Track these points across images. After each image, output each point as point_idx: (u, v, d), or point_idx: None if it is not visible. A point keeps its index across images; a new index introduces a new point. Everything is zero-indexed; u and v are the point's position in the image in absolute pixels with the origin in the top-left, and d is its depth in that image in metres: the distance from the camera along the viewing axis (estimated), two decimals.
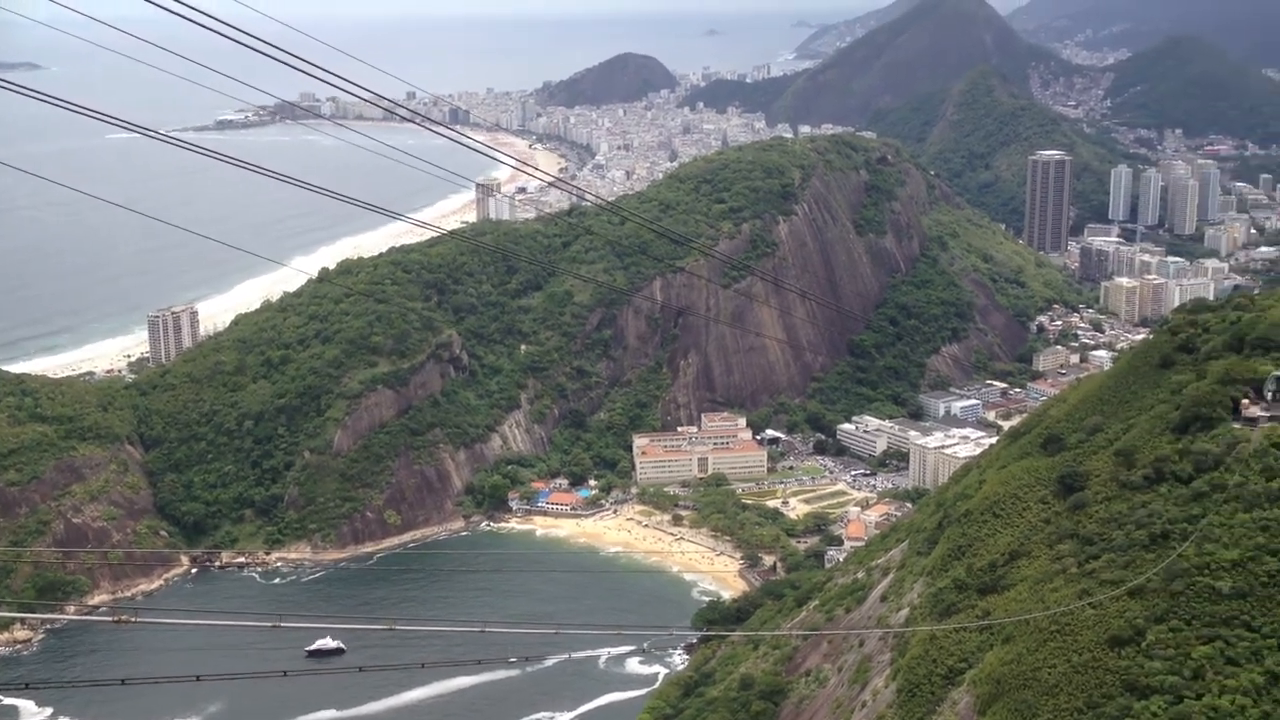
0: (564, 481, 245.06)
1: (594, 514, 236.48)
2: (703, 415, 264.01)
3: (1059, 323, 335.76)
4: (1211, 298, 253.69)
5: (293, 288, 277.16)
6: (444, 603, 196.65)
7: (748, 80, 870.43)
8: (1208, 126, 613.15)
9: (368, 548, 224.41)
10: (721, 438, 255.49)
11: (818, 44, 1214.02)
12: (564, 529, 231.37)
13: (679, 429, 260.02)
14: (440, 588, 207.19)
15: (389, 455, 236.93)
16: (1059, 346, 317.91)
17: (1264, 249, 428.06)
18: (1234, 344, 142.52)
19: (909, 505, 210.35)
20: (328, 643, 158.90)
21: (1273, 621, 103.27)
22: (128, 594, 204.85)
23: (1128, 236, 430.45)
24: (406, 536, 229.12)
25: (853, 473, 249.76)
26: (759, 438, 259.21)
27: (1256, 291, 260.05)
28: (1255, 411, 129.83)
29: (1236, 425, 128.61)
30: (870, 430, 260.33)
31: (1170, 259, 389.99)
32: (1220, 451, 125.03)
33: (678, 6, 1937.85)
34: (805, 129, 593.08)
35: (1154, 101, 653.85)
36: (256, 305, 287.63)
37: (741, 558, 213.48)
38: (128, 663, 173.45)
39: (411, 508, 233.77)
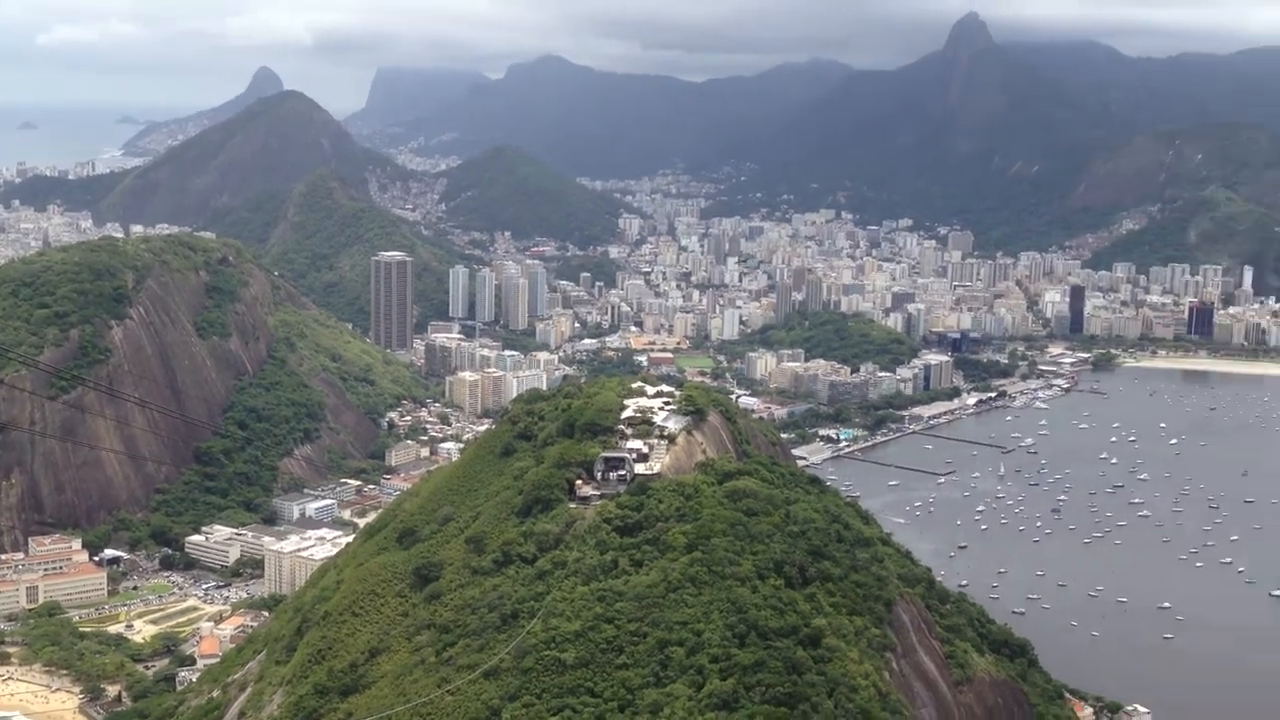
0: None
1: None
2: (30, 540, 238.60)
3: (409, 418, 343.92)
4: (545, 387, 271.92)
5: None
6: None
7: (70, 177, 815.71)
8: (533, 229, 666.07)
9: None
10: (53, 562, 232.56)
11: (146, 141, 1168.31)
12: None
13: (2, 557, 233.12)
14: None
15: None
16: (410, 441, 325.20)
17: (587, 341, 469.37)
18: (566, 429, 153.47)
19: (266, 614, 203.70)
20: None
21: (612, 685, 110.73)
22: None
23: (468, 332, 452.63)
24: None
25: (204, 586, 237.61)
26: (97, 558, 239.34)
27: (583, 380, 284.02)
28: (588, 491, 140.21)
29: (573, 504, 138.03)
30: (221, 540, 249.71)
31: (507, 353, 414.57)
32: (560, 530, 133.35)
33: None
34: (138, 229, 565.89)
35: (484, 206, 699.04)
36: None
37: (81, 691, 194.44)
38: None
39: None
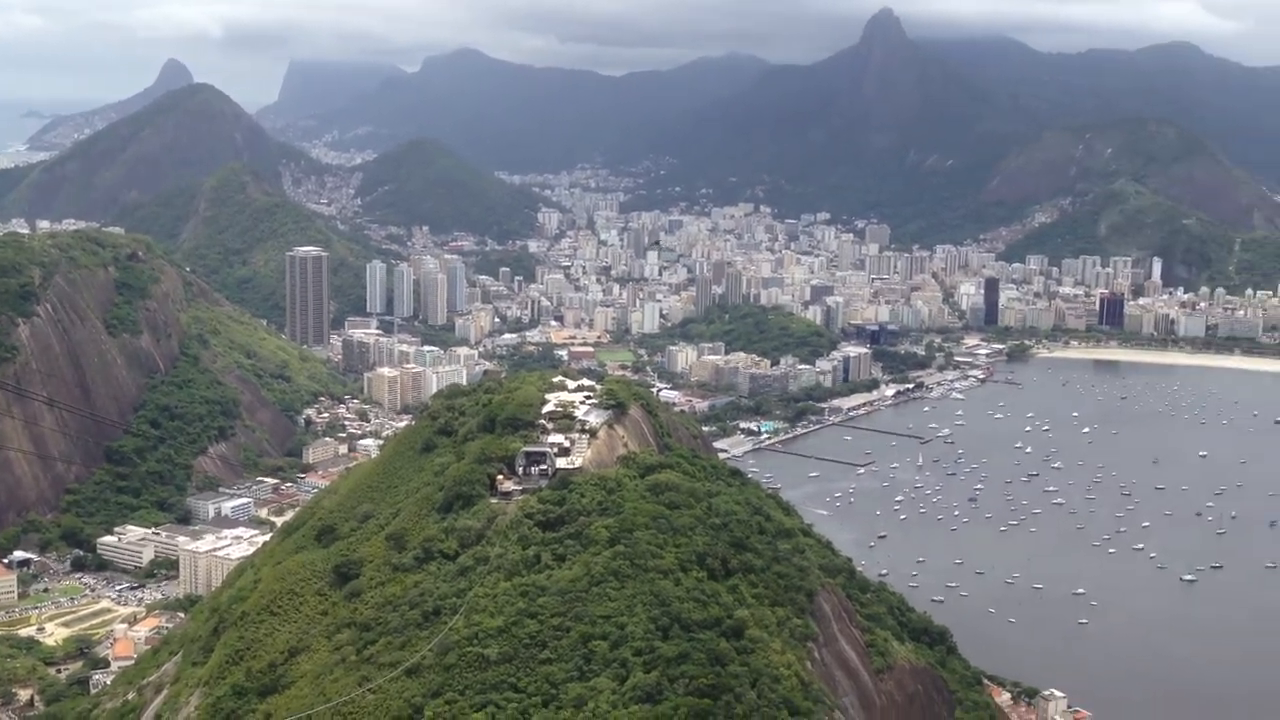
0: None
1: None
2: None
3: (326, 415, 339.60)
4: (465, 383, 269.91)
5: None
6: None
7: None
8: (452, 224, 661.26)
9: None
10: None
11: (53, 135, 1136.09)
12: None
13: None
14: None
15: None
16: (328, 438, 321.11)
17: (507, 336, 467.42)
18: (487, 425, 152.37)
19: (181, 615, 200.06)
20: None
21: (535, 680, 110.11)
22: None
23: (386, 328, 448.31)
24: None
25: (118, 587, 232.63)
26: (6, 561, 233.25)
27: (503, 375, 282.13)
28: (509, 486, 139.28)
29: (494, 500, 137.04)
30: (134, 540, 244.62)
31: (426, 348, 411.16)
32: (481, 526, 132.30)
33: None
34: (44, 224, 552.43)
35: (401, 200, 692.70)
36: None
37: None
38: None
39: None
